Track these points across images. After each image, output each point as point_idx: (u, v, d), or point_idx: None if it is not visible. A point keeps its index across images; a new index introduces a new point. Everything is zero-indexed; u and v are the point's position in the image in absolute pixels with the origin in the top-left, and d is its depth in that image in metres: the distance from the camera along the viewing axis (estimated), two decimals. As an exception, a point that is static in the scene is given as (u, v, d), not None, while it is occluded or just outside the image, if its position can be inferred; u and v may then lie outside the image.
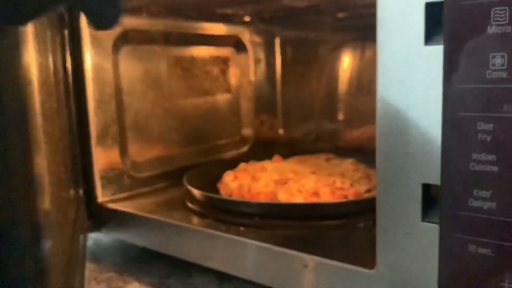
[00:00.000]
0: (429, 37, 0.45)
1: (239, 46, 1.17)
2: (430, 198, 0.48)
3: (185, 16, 1.02)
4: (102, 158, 0.86)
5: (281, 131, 1.24)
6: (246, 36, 1.18)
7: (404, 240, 0.49)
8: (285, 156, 1.04)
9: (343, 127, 1.15)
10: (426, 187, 0.47)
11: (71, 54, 0.81)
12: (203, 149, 1.10)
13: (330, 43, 1.14)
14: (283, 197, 0.76)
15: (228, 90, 1.16)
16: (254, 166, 0.94)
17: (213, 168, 1.02)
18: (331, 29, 1.14)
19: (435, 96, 0.44)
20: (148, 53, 0.97)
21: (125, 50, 0.91)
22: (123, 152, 0.91)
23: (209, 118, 1.12)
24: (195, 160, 1.06)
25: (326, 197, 0.75)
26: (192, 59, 1.07)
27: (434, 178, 0.46)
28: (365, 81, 1.10)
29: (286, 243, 0.64)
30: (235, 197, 0.81)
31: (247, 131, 1.22)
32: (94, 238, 0.94)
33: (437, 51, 0.44)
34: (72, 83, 0.83)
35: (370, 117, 1.15)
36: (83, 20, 0.82)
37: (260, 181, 0.83)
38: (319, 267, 0.58)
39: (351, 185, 0.79)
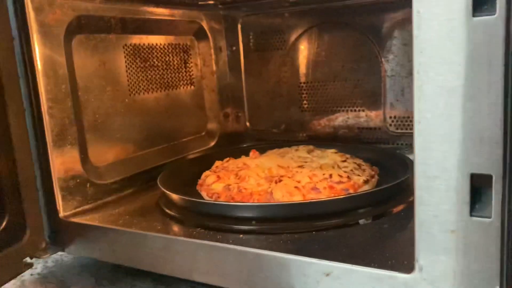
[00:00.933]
0: (478, 7, 0.39)
1: (199, 33, 1.08)
2: (479, 190, 0.43)
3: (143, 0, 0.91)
4: (61, 165, 0.74)
5: (248, 124, 1.17)
6: (206, 22, 1.08)
7: (450, 238, 0.44)
8: (259, 150, 0.97)
9: (312, 116, 1.09)
10: (478, 178, 0.42)
11: (20, 46, 0.68)
12: (169, 147, 1.00)
13: (295, 28, 1.08)
14: (279, 196, 0.69)
15: (190, 81, 1.07)
16: (233, 164, 0.86)
17: (185, 167, 0.93)
18: (296, 13, 1.08)
19: (489, 73, 0.39)
20: (104, 42, 0.85)
21: (78, 40, 0.79)
22: (84, 157, 0.79)
23: (173, 113, 1.01)
24: (162, 160, 0.96)
25: (326, 192, 0.69)
26: (151, 49, 0.96)
27: (486, 166, 0.41)
28: (333, 66, 1.05)
29: (297, 248, 0.57)
30: (224, 200, 0.72)
31: (212, 126, 1.13)
32: (58, 259, 0.82)
33: (488, 22, 0.39)
34: (24, 80, 0.70)
35: (339, 104, 1.12)
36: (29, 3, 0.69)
37: (249, 180, 0.75)
38: (345, 275, 0.51)
39: (348, 177, 0.73)
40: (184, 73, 1.05)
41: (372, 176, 0.78)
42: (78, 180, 0.78)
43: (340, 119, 1.07)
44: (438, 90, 0.42)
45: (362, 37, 1.00)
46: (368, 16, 0.99)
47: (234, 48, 1.14)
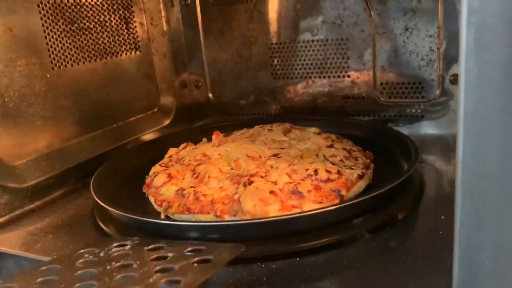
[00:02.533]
0: None
1: (143, -17, 0.86)
2: None
3: None
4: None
5: (210, 95, 0.98)
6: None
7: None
8: (225, 131, 0.79)
9: (286, 83, 0.91)
10: None
11: None
12: (111, 131, 0.81)
13: (263, -26, 0.87)
14: (250, 206, 0.51)
15: (135, 46, 0.86)
16: (191, 154, 0.68)
17: (130, 158, 0.74)
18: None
19: None
20: (8, 1, 0.63)
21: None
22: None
23: (113, 88, 0.82)
24: (102, 149, 0.77)
25: (311, 196, 0.53)
26: (79, 6, 0.74)
27: None
28: (311, 21, 0.86)
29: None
30: (177, 210, 0.55)
31: (166, 99, 0.93)
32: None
33: None
34: None
35: (319, 67, 0.94)
36: None
37: (210, 182, 0.58)
38: None
39: (339, 172, 0.56)
40: (126, 35, 0.84)
41: (367, 167, 0.62)
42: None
43: (320, 86, 0.89)
44: None
45: (347, -15, 0.80)
46: (353, -42, 0.79)
47: (188, 1, 0.93)
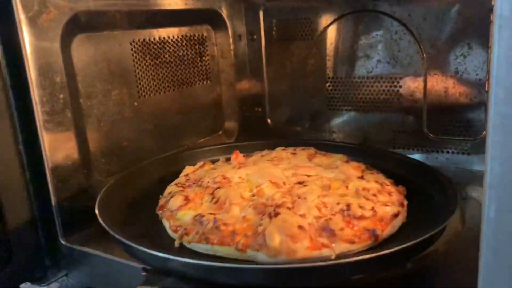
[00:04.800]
0: None
1: (217, 21, 0.97)
2: None
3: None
4: (61, 190, 0.66)
5: (269, 121, 1.07)
6: (224, 8, 0.97)
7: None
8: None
9: (340, 115, 0.98)
10: None
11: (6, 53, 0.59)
12: (178, 154, 0.91)
13: (324, 16, 0.96)
14: (276, 242, 0.48)
15: (207, 76, 0.97)
16: (209, 174, 0.66)
17: (146, 172, 0.74)
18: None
19: None
20: (108, 40, 0.75)
21: (78, 40, 0.69)
22: (88, 172, 0.71)
23: (186, 113, 0.92)
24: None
25: (344, 235, 0.50)
26: (163, 43, 0.86)
27: None
28: (367, 60, 0.93)
29: None
30: (193, 238, 0.52)
31: (230, 124, 1.03)
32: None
33: None
34: (14, 94, 0.61)
35: (372, 102, 1.00)
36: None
37: (231, 210, 0.55)
38: None
39: (373, 209, 0.54)
40: (200, 67, 0.95)
41: (401, 203, 0.60)
42: (81, 199, 0.70)
43: (372, 118, 0.96)
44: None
45: (401, 29, 0.87)
46: (409, 5, 0.86)
47: (254, 36, 1.02)
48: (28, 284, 0.65)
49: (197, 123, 0.95)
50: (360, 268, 0.46)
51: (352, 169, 0.67)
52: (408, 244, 0.47)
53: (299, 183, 0.61)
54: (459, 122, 0.86)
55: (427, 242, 0.50)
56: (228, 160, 0.75)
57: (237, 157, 0.73)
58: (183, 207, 0.58)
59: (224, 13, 0.97)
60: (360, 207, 0.54)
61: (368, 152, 0.80)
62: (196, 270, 0.46)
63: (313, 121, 1.03)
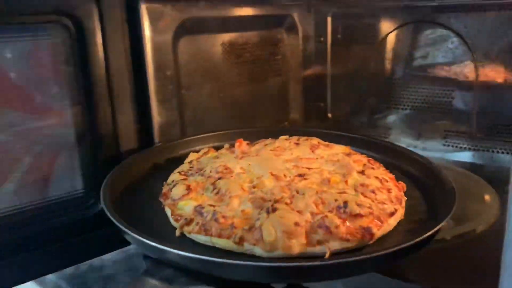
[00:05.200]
0: None
1: (290, 26, 1.10)
2: None
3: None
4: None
5: (329, 115, 1.19)
6: (297, 15, 1.10)
7: None
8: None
9: (397, 114, 1.09)
10: None
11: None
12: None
13: (387, 24, 1.07)
14: (272, 238, 0.50)
15: (278, 73, 1.10)
16: (212, 164, 0.67)
17: (152, 156, 0.77)
18: (390, 9, 1.06)
19: None
20: (205, 42, 0.90)
21: (183, 41, 0.84)
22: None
23: (259, 104, 1.06)
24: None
25: (338, 233, 0.51)
26: (244, 44, 0.99)
27: None
28: (426, 66, 1.03)
29: None
30: (193, 228, 0.54)
31: (294, 116, 1.16)
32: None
33: None
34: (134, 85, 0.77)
35: (428, 105, 1.09)
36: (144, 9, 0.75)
37: (232, 202, 0.56)
38: None
39: (370, 208, 0.54)
40: (272, 65, 1.08)
41: (400, 201, 0.60)
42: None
43: (425, 118, 1.06)
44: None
45: (457, 39, 0.97)
46: (466, 18, 0.96)
47: (322, 39, 1.15)
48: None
49: (267, 113, 1.09)
50: (348, 269, 0.49)
51: (354, 162, 0.67)
52: (396, 248, 0.48)
53: (300, 175, 0.62)
54: (507, 126, 0.96)
55: (419, 244, 0.50)
56: (232, 146, 0.76)
57: (241, 145, 0.73)
58: (185, 197, 0.59)
59: (296, 18, 1.10)
60: (358, 204, 0.54)
61: (372, 144, 0.82)
62: (192, 262, 0.48)
63: (370, 117, 1.14)
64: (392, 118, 1.11)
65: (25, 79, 0.65)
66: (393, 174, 0.67)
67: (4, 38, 0.61)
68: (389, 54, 1.08)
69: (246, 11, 0.97)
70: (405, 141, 1.07)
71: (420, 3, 1.01)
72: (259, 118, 1.07)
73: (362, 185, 0.59)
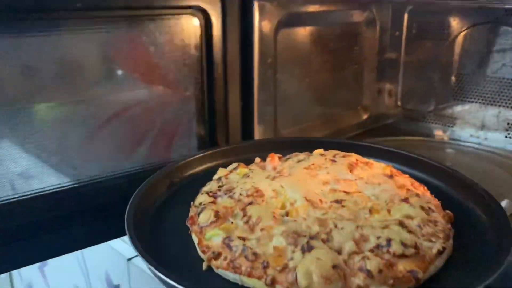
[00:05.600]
0: None
1: (369, 20, 1.21)
2: None
3: None
4: (261, 136, 0.97)
5: (399, 103, 1.30)
6: (376, 11, 1.21)
7: None
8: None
9: (462, 107, 1.19)
10: None
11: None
12: (328, 120, 1.18)
13: (460, 23, 1.16)
14: (307, 283, 0.46)
15: (355, 62, 1.22)
16: (241, 184, 0.63)
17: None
18: (464, 9, 1.15)
19: None
20: (296, 33, 1.03)
21: (282, 33, 0.98)
22: (275, 129, 1.01)
23: (337, 90, 1.19)
24: (322, 133, 1.15)
25: (381, 278, 0.47)
26: (330, 35, 1.12)
27: None
28: (492, 64, 1.12)
29: None
30: (221, 264, 0.51)
31: (367, 101, 1.28)
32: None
33: None
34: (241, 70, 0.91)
35: (489, 98, 1.19)
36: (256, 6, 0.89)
37: (262, 236, 0.52)
38: None
39: (416, 247, 0.49)
40: (351, 55, 1.20)
41: (447, 235, 0.54)
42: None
43: (490, 113, 1.14)
44: None
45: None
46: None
47: (397, 33, 1.25)
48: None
49: (343, 98, 1.22)
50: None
51: (397, 188, 0.61)
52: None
53: (337, 201, 0.58)
54: None
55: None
56: (263, 161, 0.72)
57: (273, 160, 0.70)
58: (212, 224, 0.55)
59: (375, 13, 1.21)
60: (402, 243, 0.49)
61: (414, 162, 0.74)
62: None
63: (437, 107, 1.25)
64: (457, 109, 1.21)
65: (164, 62, 0.81)
66: (439, 200, 0.61)
67: (155, 27, 0.77)
68: (460, 50, 1.17)
69: (333, 7, 1.09)
70: (468, 131, 1.17)
71: (493, 5, 1.10)
72: (336, 101, 1.20)
73: (407, 217, 0.54)
